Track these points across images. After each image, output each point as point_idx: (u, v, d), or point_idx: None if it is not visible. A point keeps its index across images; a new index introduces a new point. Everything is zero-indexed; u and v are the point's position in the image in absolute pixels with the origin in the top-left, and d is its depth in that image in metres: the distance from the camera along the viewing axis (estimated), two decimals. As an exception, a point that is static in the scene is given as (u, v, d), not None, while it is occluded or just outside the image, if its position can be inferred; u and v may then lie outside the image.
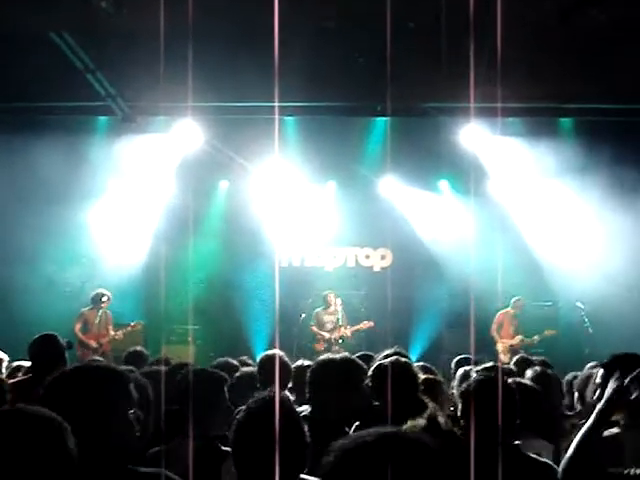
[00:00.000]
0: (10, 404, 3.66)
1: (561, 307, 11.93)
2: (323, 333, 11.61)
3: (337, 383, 3.74)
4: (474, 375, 4.67)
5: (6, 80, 9.65)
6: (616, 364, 2.96)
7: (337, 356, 4.05)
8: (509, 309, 11.44)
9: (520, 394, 3.49)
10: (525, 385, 4.11)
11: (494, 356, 10.29)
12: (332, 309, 11.71)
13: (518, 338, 11.23)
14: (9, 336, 8.88)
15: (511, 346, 11.15)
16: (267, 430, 2.48)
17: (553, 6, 7.87)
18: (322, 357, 4.11)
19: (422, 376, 4.30)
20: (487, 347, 10.77)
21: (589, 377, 5.07)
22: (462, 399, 3.46)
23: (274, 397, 2.60)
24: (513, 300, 11.43)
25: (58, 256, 11.87)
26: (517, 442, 3.38)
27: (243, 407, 2.72)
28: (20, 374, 5.71)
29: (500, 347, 11.19)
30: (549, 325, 11.43)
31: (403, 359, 4.27)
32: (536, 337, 11.16)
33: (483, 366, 5.15)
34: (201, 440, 3.38)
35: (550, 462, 3.40)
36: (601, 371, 3.08)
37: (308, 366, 4.50)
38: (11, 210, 11.59)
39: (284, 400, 2.65)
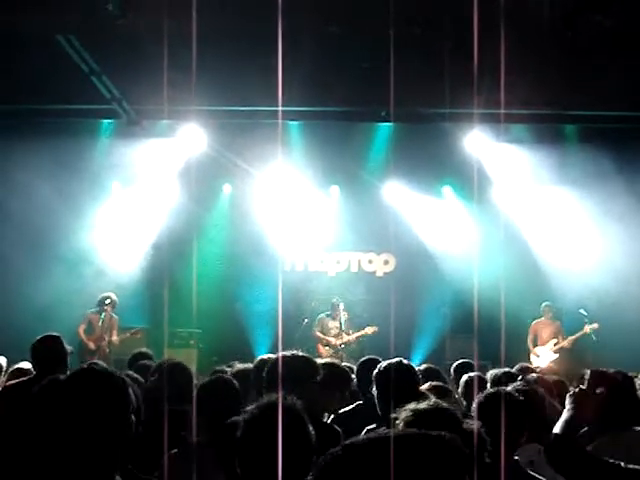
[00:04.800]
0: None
1: (564, 313, 11.90)
2: (329, 338, 11.57)
3: (286, 380, 3.65)
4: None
5: (11, 82, 9.66)
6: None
7: (288, 353, 3.99)
8: (541, 317, 11.47)
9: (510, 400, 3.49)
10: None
11: (498, 362, 10.27)
12: (338, 317, 11.73)
13: (551, 342, 11.23)
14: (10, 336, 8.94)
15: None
16: (274, 433, 2.47)
17: (557, 12, 7.86)
18: (272, 355, 4.06)
19: (426, 385, 4.28)
20: (490, 353, 10.75)
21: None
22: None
23: (282, 401, 2.59)
24: (542, 307, 11.46)
25: (62, 259, 11.86)
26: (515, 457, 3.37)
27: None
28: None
29: (532, 356, 11.19)
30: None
31: (405, 361, 4.30)
32: (571, 337, 11.14)
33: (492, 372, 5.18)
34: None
35: None
36: None
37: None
38: (16, 214, 11.61)
39: (292, 404, 2.64)
